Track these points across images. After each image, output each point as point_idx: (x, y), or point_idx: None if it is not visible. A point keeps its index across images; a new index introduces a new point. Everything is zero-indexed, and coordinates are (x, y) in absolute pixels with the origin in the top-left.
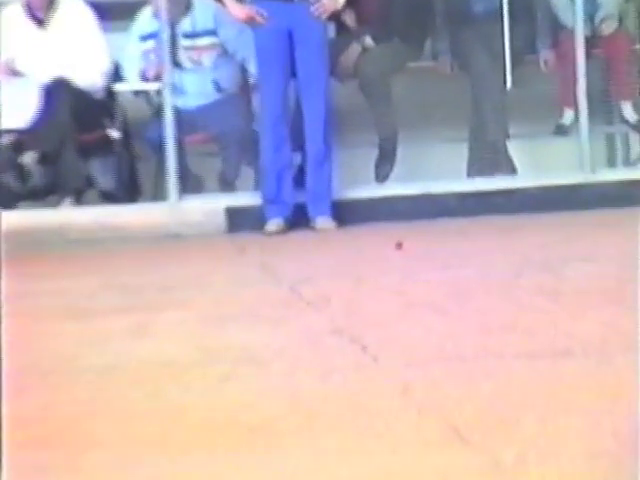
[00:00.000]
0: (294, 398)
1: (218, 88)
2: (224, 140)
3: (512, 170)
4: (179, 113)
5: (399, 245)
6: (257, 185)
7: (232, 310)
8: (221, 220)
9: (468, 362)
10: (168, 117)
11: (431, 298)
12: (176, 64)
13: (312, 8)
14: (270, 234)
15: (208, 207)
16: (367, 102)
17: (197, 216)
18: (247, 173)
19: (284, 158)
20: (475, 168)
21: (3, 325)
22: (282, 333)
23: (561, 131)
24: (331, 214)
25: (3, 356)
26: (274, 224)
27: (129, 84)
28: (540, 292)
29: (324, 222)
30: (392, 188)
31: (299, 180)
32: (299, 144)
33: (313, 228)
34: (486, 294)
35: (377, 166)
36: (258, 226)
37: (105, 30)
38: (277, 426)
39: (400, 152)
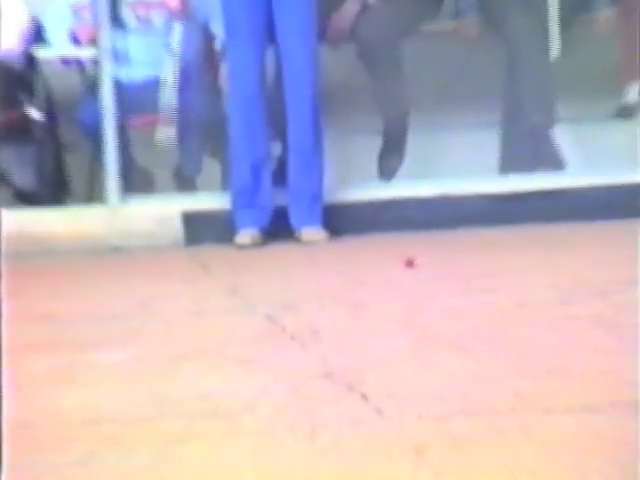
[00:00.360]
0: (272, 465)
1: (173, 55)
2: (182, 124)
3: (558, 165)
4: (122, 88)
5: (410, 262)
6: (225, 183)
7: (190, 347)
8: (177, 229)
9: (501, 417)
10: (107, 93)
11: (451, 332)
12: (118, 23)
13: None
14: (242, 247)
15: (160, 212)
16: (368, 75)
17: (146, 224)
18: (212, 168)
19: (260, 148)
20: (509, 162)
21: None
22: (256, 377)
23: (623, 113)
24: (321, 222)
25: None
26: (247, 235)
27: (54, 49)
28: (595, 324)
29: (312, 232)
30: (400, 188)
31: (279, 177)
32: (279, 130)
33: (298, 240)
34: (523, 327)
35: (381, 159)
36: (226, 237)
37: None
38: None
39: (411, 141)
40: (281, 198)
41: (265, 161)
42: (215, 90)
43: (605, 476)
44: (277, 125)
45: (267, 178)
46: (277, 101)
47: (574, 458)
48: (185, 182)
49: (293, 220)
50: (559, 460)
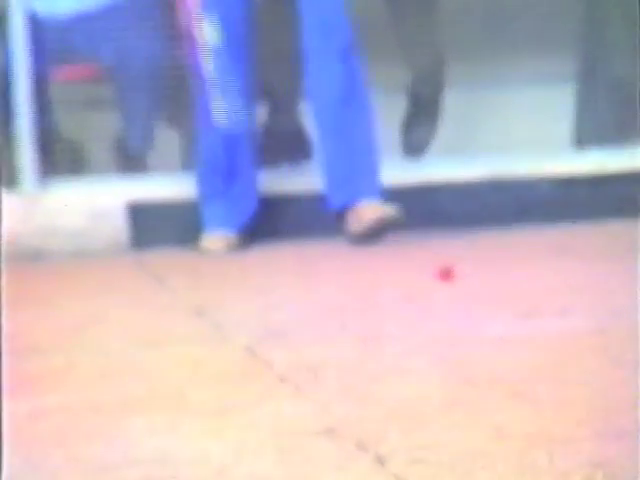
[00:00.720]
0: None
1: None
2: (124, 77)
3: None
4: (40, 26)
5: (446, 272)
6: (188, 162)
7: (139, 392)
8: (120, 226)
9: None
10: (18, 33)
11: (504, 372)
12: None
13: None
14: (211, 253)
15: (96, 202)
16: (389, 11)
17: (75, 219)
18: (168, 140)
19: (238, 113)
20: (588, 132)
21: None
22: (231, 434)
23: None
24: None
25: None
26: (218, 237)
27: None
28: None
29: (372, 206)
30: (433, 168)
31: (270, 155)
32: (268, 89)
33: (342, 223)
34: (608, 365)
35: (407, 128)
36: (188, 237)
37: None
38: None
39: (448, 103)
40: (273, 182)
41: (248, 131)
42: (172, 31)
43: None
44: (269, 75)
45: (248, 155)
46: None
47: None
48: (131, 161)
49: (331, 201)
50: None
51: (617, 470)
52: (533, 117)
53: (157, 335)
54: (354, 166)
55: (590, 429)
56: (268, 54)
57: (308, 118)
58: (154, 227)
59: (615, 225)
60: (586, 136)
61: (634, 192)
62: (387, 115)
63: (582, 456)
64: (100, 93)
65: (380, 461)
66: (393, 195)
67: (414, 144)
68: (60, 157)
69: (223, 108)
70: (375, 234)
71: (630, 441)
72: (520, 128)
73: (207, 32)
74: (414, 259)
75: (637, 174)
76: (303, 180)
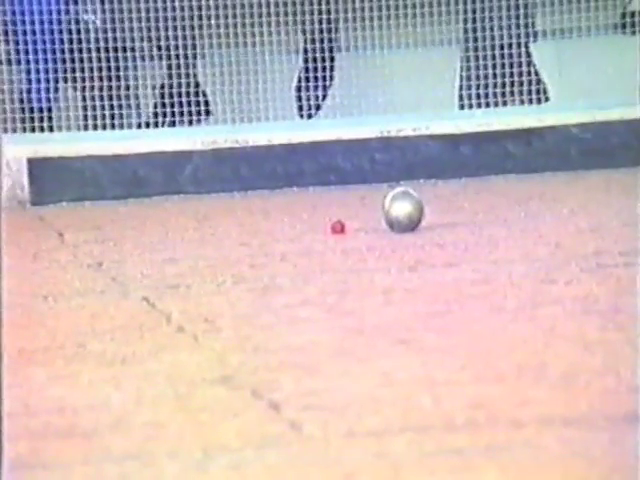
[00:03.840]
0: None
1: None
2: (24, 34)
3: (539, 96)
4: None
5: (338, 227)
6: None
7: (39, 343)
8: (20, 182)
9: (456, 433)
10: None
11: (392, 321)
12: None
13: None
14: None
15: None
16: None
17: None
18: (70, 98)
19: None
20: (472, 93)
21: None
22: (129, 383)
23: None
24: None
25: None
26: None
27: None
28: (583, 309)
29: None
30: (324, 128)
31: None
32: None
33: None
34: (489, 313)
35: (299, 90)
36: (90, 193)
37: None
38: None
39: (339, 64)
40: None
41: None
42: None
43: None
44: None
45: None
46: None
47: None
48: (32, 115)
49: None
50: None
51: (497, 411)
52: (419, 79)
53: (57, 288)
54: None
55: (472, 373)
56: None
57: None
58: (54, 183)
59: (496, 179)
60: (469, 97)
61: (516, 150)
62: (281, 77)
63: (465, 399)
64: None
65: (274, 407)
66: (287, 154)
67: (306, 105)
68: None
69: None
70: None
71: (509, 383)
72: (407, 90)
73: None
74: (307, 215)
75: (519, 132)
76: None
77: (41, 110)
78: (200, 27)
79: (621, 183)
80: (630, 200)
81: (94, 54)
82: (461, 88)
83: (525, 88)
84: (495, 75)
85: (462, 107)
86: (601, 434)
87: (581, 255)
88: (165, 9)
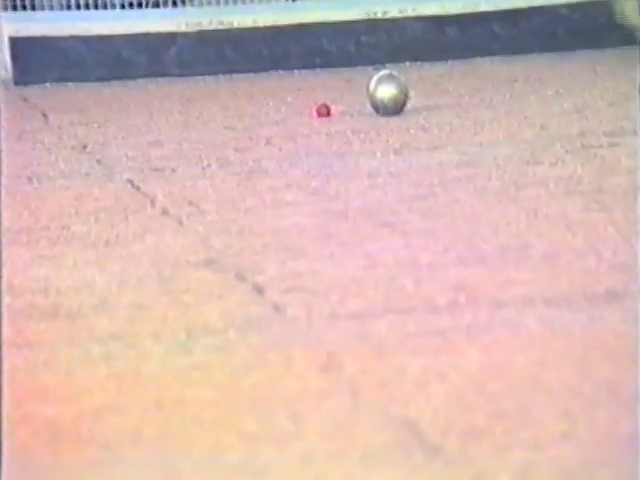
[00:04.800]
0: (128, 383)
1: None
2: None
3: None
4: None
5: (324, 110)
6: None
7: (22, 223)
8: (3, 61)
9: (438, 314)
10: None
11: (376, 204)
12: None
13: None
14: None
15: None
16: None
17: None
18: None
19: None
20: None
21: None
22: (114, 265)
23: None
24: None
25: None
26: None
27: None
28: (567, 190)
29: None
30: (311, 10)
31: None
32: None
33: None
34: (472, 195)
35: None
36: (71, 74)
37: None
38: None
39: None
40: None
41: None
42: None
43: (573, 389)
44: None
45: None
46: None
47: (533, 367)
48: None
49: None
50: (513, 369)
51: (478, 292)
52: None
53: (41, 170)
54: None
55: (454, 255)
56: None
57: None
58: (37, 63)
59: (481, 61)
60: None
61: (503, 31)
62: None
63: (447, 280)
64: None
65: (258, 290)
66: (272, 36)
67: None
68: None
69: None
70: None
71: (490, 265)
72: None
73: None
74: (292, 98)
75: (505, 14)
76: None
77: None
78: None
79: (607, 64)
80: (615, 81)
81: None
82: None
83: None
84: None
85: None
86: (581, 313)
87: (566, 136)
88: None
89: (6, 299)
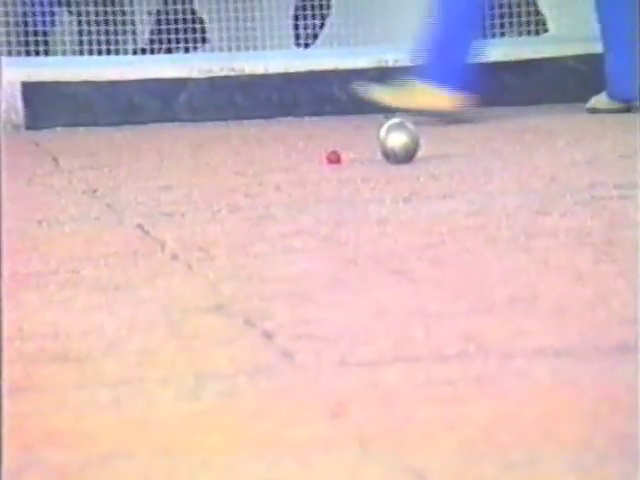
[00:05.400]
0: (139, 428)
1: None
2: None
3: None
4: None
5: (334, 157)
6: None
7: (32, 267)
8: (15, 105)
9: (447, 364)
10: None
11: (385, 251)
12: None
13: None
14: None
15: None
16: None
17: None
18: (67, 23)
19: None
20: None
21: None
22: (123, 309)
23: None
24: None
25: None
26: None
27: None
28: (577, 241)
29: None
30: (321, 58)
31: None
32: None
33: None
34: (482, 244)
35: (298, 19)
36: (83, 119)
37: None
38: None
39: None
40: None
41: None
42: None
43: (584, 441)
44: None
45: None
46: None
47: (543, 418)
48: (27, 38)
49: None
50: (523, 420)
51: (488, 342)
52: (416, 9)
53: (51, 214)
54: None
55: (464, 304)
56: None
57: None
58: (49, 108)
59: (493, 111)
60: None
61: (513, 82)
62: (278, 5)
63: (456, 330)
64: None
65: (267, 336)
66: (283, 83)
67: (304, 34)
68: None
69: None
70: None
71: (500, 314)
72: (404, 20)
73: None
74: (303, 144)
75: (516, 64)
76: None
77: (36, 33)
78: None
79: (617, 116)
80: (626, 133)
81: None
82: None
83: (523, 19)
84: (493, 6)
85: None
86: (592, 364)
87: (576, 188)
88: None
89: (16, 343)
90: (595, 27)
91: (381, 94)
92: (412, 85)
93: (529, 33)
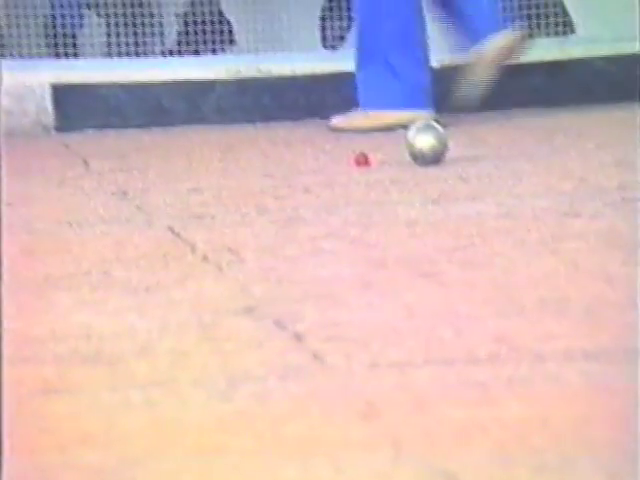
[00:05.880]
0: (170, 429)
1: None
2: None
3: (566, 28)
4: None
5: (362, 159)
6: (113, 47)
7: (64, 269)
8: (45, 107)
9: (478, 366)
10: None
11: (415, 253)
12: None
13: None
14: None
15: (20, 82)
16: None
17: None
18: (97, 25)
19: None
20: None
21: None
22: (154, 311)
23: None
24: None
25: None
26: None
27: None
28: (607, 243)
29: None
30: (349, 59)
31: None
32: None
33: None
34: (512, 247)
35: (324, 21)
36: (114, 120)
37: None
38: None
39: None
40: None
41: None
42: None
43: (616, 444)
44: None
45: None
46: None
47: (573, 420)
48: (56, 41)
49: None
50: (555, 423)
51: (519, 345)
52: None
53: (82, 215)
54: None
55: (494, 307)
56: None
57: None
58: (78, 110)
59: (523, 115)
60: None
61: (541, 83)
62: (306, 7)
63: (486, 332)
64: None
65: (298, 338)
66: (310, 85)
67: (331, 36)
68: None
69: None
70: None
71: (530, 317)
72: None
73: None
74: (330, 146)
75: (544, 65)
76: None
77: (65, 35)
78: None
79: None
80: None
81: None
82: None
83: (551, 20)
84: (520, 7)
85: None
86: (622, 367)
87: (605, 189)
88: None
89: (49, 344)
90: (623, 28)
91: (347, 121)
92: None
93: (557, 34)
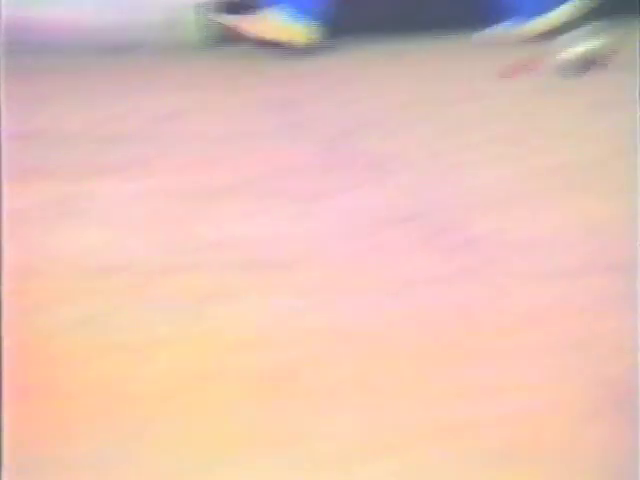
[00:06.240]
0: (333, 324)
1: None
2: None
3: None
4: None
5: (521, 66)
6: None
7: (225, 179)
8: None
9: None
10: None
11: (587, 160)
12: None
13: None
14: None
15: None
16: None
17: (153, 13)
18: None
19: None
20: None
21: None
22: (318, 219)
23: None
24: None
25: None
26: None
27: None
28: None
29: None
30: None
31: None
32: None
33: None
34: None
35: None
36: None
37: None
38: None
39: None
40: None
41: None
42: None
43: None
44: None
45: None
46: None
47: None
48: None
49: None
50: None
51: None
52: None
53: (241, 127)
54: None
55: None
56: None
57: None
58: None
59: None
60: None
61: None
62: None
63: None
64: None
65: (467, 244)
66: None
67: None
68: None
69: None
70: None
71: None
72: None
73: None
74: (495, 56)
75: None
76: None
77: None
78: None
79: None
80: None
81: None
82: None
83: None
84: None
85: None
86: None
87: None
88: None
89: (211, 253)
90: None
91: (234, 21)
92: (264, 14)
93: None
